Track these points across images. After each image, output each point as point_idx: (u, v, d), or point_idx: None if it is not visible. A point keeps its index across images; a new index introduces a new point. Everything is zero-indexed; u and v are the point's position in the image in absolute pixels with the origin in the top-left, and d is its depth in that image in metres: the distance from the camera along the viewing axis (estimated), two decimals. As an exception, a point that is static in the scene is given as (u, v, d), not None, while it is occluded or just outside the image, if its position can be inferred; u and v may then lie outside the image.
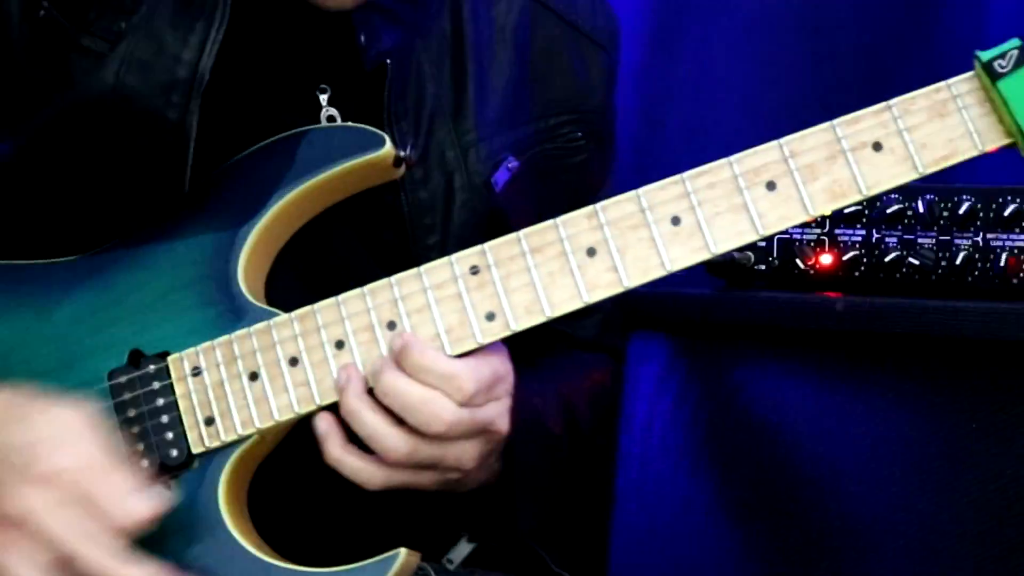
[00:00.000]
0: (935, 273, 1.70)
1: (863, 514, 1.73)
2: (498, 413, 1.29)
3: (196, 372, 1.30)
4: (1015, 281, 1.66)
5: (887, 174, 1.26)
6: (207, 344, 1.30)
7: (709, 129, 2.17)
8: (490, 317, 1.27)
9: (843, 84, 2.02)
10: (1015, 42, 1.24)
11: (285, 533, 1.33)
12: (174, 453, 1.28)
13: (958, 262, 1.68)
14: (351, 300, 1.28)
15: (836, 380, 1.76)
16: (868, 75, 1.98)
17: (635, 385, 1.87)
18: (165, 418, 1.29)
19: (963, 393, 1.66)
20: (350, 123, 1.37)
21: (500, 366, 1.29)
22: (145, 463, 1.28)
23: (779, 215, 1.26)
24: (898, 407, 1.71)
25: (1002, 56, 1.23)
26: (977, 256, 1.68)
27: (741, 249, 1.75)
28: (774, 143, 1.27)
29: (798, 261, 1.73)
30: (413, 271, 1.28)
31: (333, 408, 1.28)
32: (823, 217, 1.72)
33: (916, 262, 1.70)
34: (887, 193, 1.53)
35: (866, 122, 1.26)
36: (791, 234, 1.75)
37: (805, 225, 1.73)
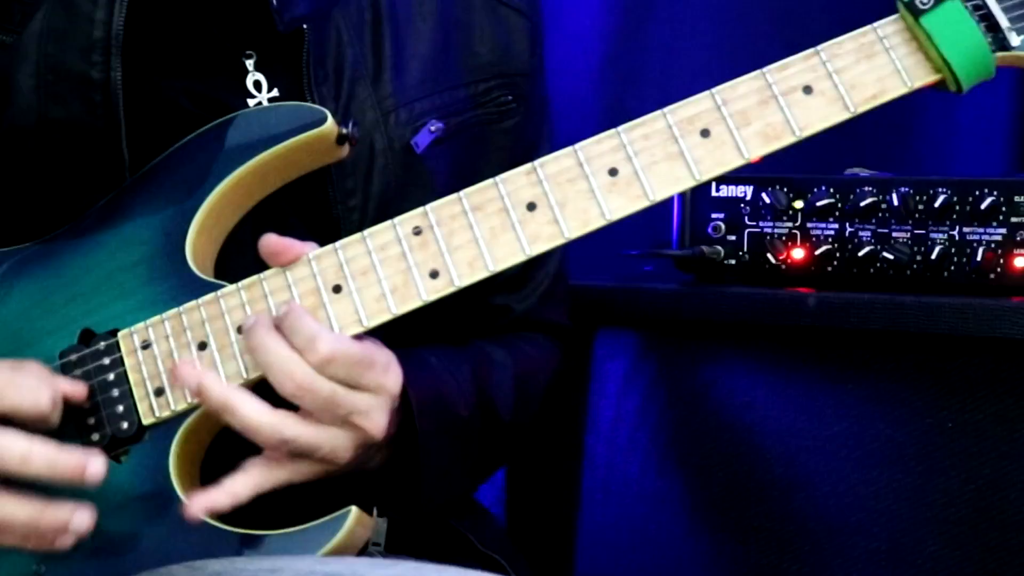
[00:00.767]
0: (910, 268, 1.70)
1: (834, 513, 1.73)
2: (368, 406, 1.28)
3: (146, 346, 1.31)
4: (992, 276, 1.65)
5: (818, 115, 1.28)
6: (156, 318, 1.32)
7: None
8: (434, 275, 1.29)
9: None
10: (934, -21, 1.30)
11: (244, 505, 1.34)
12: (124, 426, 1.30)
13: (933, 256, 1.68)
14: (297, 267, 1.30)
15: (808, 377, 1.76)
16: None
17: (602, 383, 1.88)
18: (115, 392, 1.31)
19: (939, 391, 1.67)
20: (292, 102, 1.40)
21: (378, 354, 1.29)
22: (96, 436, 1.30)
23: (715, 160, 1.29)
24: (871, 405, 1.71)
25: (922, -6, 1.30)
26: (953, 250, 1.68)
27: (711, 243, 1.78)
28: (706, 92, 1.30)
29: (769, 256, 1.74)
30: (356, 236, 1.31)
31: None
32: (795, 211, 1.73)
33: (890, 256, 1.70)
34: (861, 185, 1.65)
35: (795, 67, 1.29)
36: (762, 228, 1.76)
37: (777, 219, 1.75)
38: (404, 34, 1.54)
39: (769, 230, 1.76)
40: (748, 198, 1.75)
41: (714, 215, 1.77)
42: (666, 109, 1.30)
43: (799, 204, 1.72)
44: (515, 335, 1.61)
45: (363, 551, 1.32)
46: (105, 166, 1.40)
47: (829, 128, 1.28)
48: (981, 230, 1.66)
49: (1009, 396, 1.61)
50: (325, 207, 1.43)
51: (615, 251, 1.72)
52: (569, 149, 1.30)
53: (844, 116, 1.28)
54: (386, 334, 1.33)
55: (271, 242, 1.30)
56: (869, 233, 1.72)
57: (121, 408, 1.30)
